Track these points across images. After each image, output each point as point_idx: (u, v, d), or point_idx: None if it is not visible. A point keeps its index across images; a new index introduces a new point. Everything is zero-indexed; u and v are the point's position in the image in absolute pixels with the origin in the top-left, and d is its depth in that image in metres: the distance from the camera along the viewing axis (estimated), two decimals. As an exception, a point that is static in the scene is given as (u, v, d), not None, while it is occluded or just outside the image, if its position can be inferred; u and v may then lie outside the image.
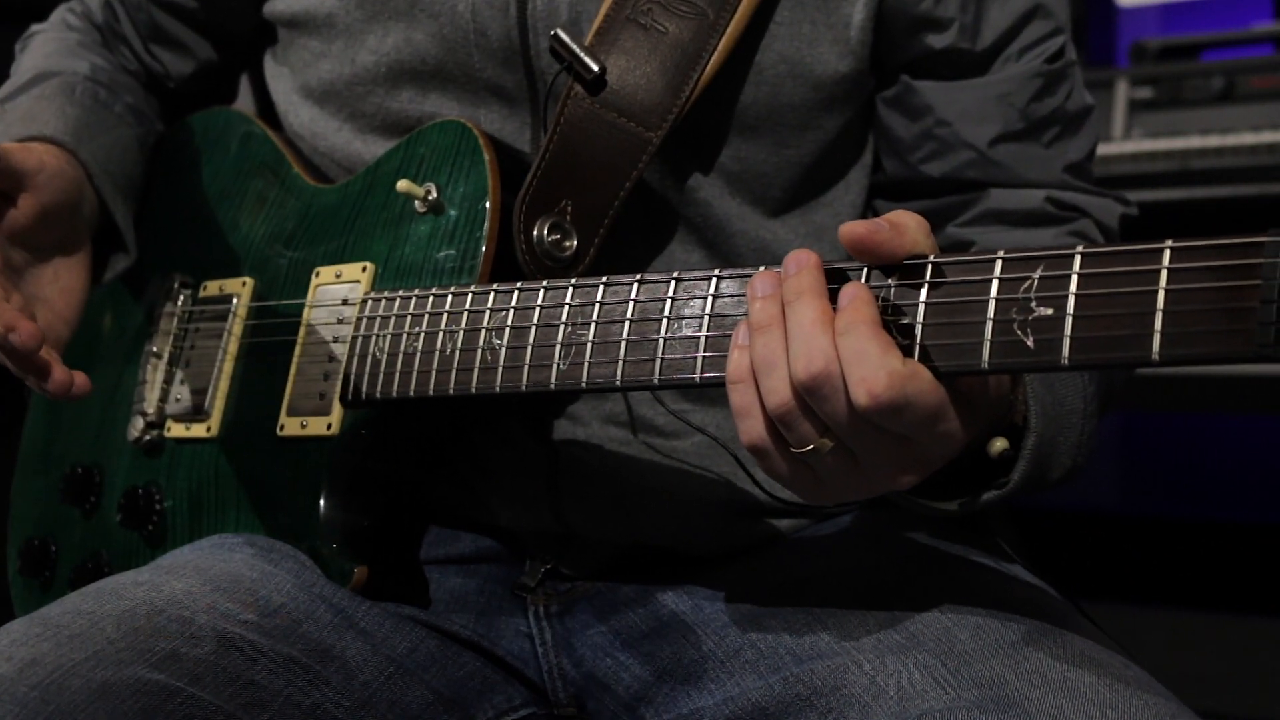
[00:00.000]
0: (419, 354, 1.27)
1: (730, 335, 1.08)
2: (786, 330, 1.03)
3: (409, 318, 1.30)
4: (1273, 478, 3.13)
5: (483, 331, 1.23)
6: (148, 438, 1.49)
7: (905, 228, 1.04)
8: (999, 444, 1.11)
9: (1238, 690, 2.88)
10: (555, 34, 1.33)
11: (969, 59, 1.40)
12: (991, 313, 0.97)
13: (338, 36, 1.44)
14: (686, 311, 1.13)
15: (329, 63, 1.46)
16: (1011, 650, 1.12)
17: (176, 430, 1.48)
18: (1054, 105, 1.42)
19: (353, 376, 1.33)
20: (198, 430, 1.46)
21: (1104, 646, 1.16)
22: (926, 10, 1.38)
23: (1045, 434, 1.13)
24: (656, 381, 1.13)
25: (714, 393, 1.37)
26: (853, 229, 1.04)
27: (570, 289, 1.19)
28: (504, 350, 1.21)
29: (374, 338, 1.32)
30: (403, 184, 1.35)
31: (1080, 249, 0.94)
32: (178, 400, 1.49)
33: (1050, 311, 0.94)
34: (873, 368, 0.98)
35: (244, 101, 1.73)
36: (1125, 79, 2.63)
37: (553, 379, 1.18)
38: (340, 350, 1.35)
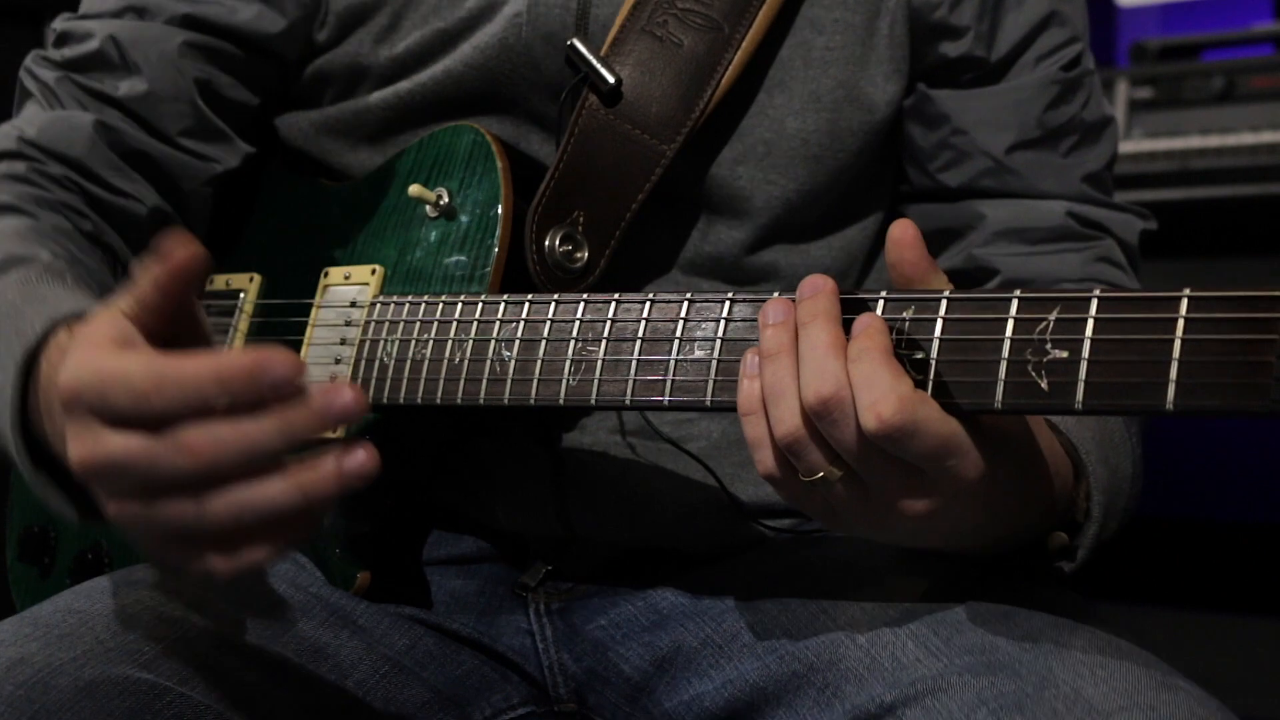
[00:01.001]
0: (427, 361, 1.27)
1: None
2: (798, 354, 1.04)
3: (418, 324, 1.29)
4: (1273, 478, 3.14)
5: (492, 342, 1.23)
6: None
7: (941, 275, 1.06)
8: (1059, 539, 1.14)
9: (1238, 690, 2.89)
10: (571, 44, 1.33)
11: (984, 67, 1.41)
12: (1006, 352, 0.97)
13: (379, 78, 1.43)
14: (699, 334, 1.13)
15: (360, 100, 1.44)
16: (1003, 619, 1.13)
17: (180, 423, 1.48)
18: (1071, 113, 1.43)
19: (359, 380, 1.32)
20: (201, 425, 1.46)
21: (1094, 621, 1.17)
22: (942, 18, 1.39)
23: (1104, 519, 1.16)
24: (666, 402, 1.13)
25: None
26: (907, 229, 1.06)
27: (582, 304, 1.19)
28: (513, 363, 1.21)
29: (382, 343, 1.32)
30: (414, 189, 1.35)
31: (1098, 293, 0.94)
32: (182, 394, 1.49)
33: (1065, 354, 0.94)
34: (883, 391, 0.99)
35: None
36: (1125, 79, 2.63)
37: (562, 394, 1.18)
38: (347, 353, 1.35)
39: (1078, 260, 1.41)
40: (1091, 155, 1.44)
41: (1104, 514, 1.16)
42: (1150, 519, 3.18)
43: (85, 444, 0.94)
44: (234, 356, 0.92)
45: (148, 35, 1.42)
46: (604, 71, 1.33)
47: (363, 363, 1.33)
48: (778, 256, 1.41)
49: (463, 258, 1.33)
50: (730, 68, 1.34)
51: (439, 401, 1.26)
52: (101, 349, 0.96)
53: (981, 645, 1.11)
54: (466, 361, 1.24)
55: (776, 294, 1.08)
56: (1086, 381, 0.93)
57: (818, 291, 1.05)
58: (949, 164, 1.43)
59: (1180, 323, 0.90)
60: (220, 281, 1.51)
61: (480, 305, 1.26)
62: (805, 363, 1.03)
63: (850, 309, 1.05)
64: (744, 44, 1.34)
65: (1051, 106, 1.41)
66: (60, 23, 1.47)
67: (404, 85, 1.41)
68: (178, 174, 1.45)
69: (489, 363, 1.23)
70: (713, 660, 1.26)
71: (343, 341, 1.36)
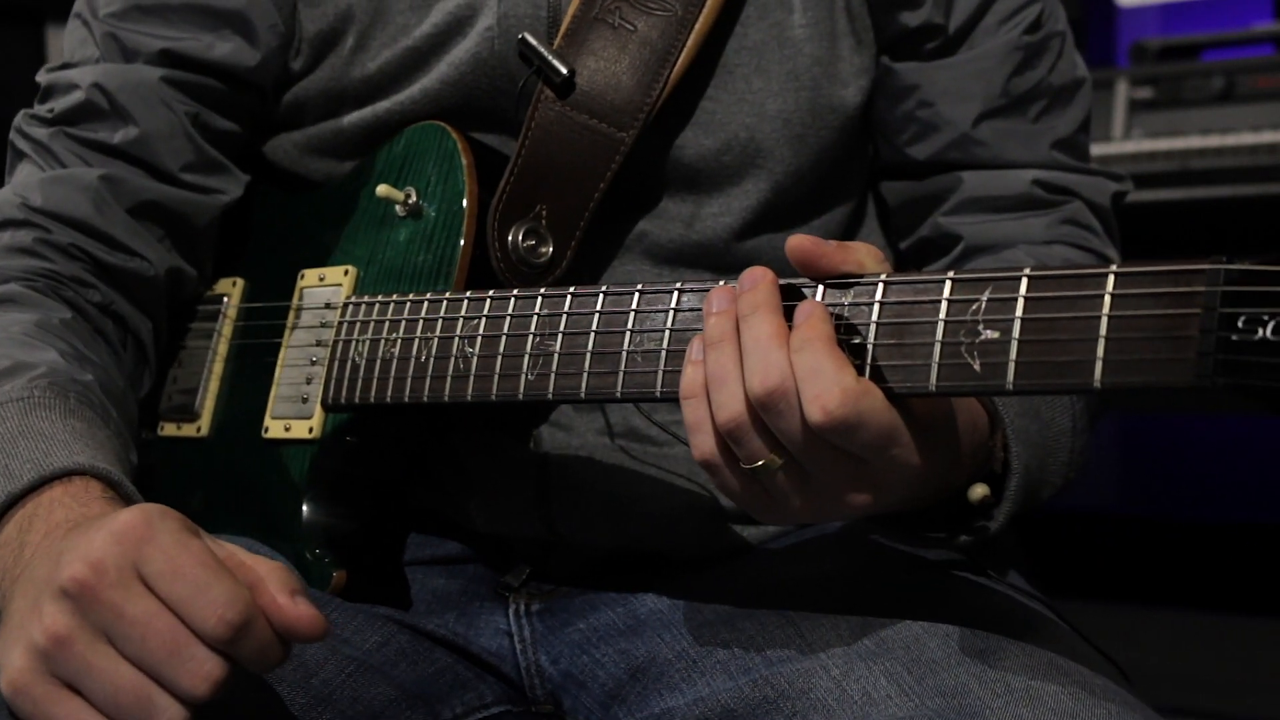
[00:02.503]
0: (396, 360, 1.28)
1: None
2: (741, 345, 1.03)
3: (387, 323, 1.30)
4: (1273, 478, 3.12)
5: (456, 339, 1.24)
6: (141, 436, 1.50)
7: (853, 249, 1.05)
8: (979, 491, 1.12)
9: (1238, 690, 2.88)
10: (523, 37, 1.34)
11: (945, 35, 1.41)
12: (940, 334, 0.96)
13: (355, 99, 1.43)
14: (649, 325, 1.13)
15: (341, 121, 1.44)
16: (978, 659, 1.12)
17: (168, 429, 1.49)
18: (1037, 78, 1.41)
19: (333, 381, 1.33)
20: (188, 430, 1.47)
21: (1075, 655, 1.16)
22: None
23: (1031, 469, 1.14)
24: (619, 395, 1.13)
25: None
26: (799, 243, 1.05)
27: (539, 299, 1.19)
28: (475, 359, 1.22)
29: (354, 342, 1.32)
30: (382, 189, 1.36)
31: (1027, 272, 0.94)
32: (169, 399, 1.50)
33: (996, 335, 0.93)
34: (827, 384, 0.98)
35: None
36: (1125, 79, 2.63)
37: (521, 389, 1.18)
38: (322, 354, 1.36)
39: (1041, 224, 1.40)
40: (1062, 120, 1.43)
41: (1038, 467, 1.15)
42: (1150, 519, 3.16)
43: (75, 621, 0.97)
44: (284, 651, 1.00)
45: (132, 77, 1.42)
46: (556, 63, 1.33)
47: (336, 363, 1.34)
48: (763, 241, 1.41)
49: (430, 256, 1.33)
50: (685, 50, 1.33)
51: (407, 399, 1.27)
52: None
53: (954, 688, 1.09)
54: (432, 359, 1.25)
55: (722, 283, 1.08)
56: (1017, 362, 0.92)
57: (757, 283, 1.05)
58: (916, 137, 1.43)
59: (1107, 299, 0.89)
60: (205, 287, 1.52)
61: (445, 303, 1.26)
62: (749, 354, 1.02)
63: (791, 296, 1.05)
64: (697, 25, 1.34)
65: (1016, 73, 1.40)
66: (43, 76, 1.47)
67: (382, 105, 1.41)
68: (190, 213, 1.44)
69: (453, 360, 1.23)
70: (685, 675, 1.25)
71: (318, 343, 1.37)
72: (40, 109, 1.45)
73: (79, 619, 0.97)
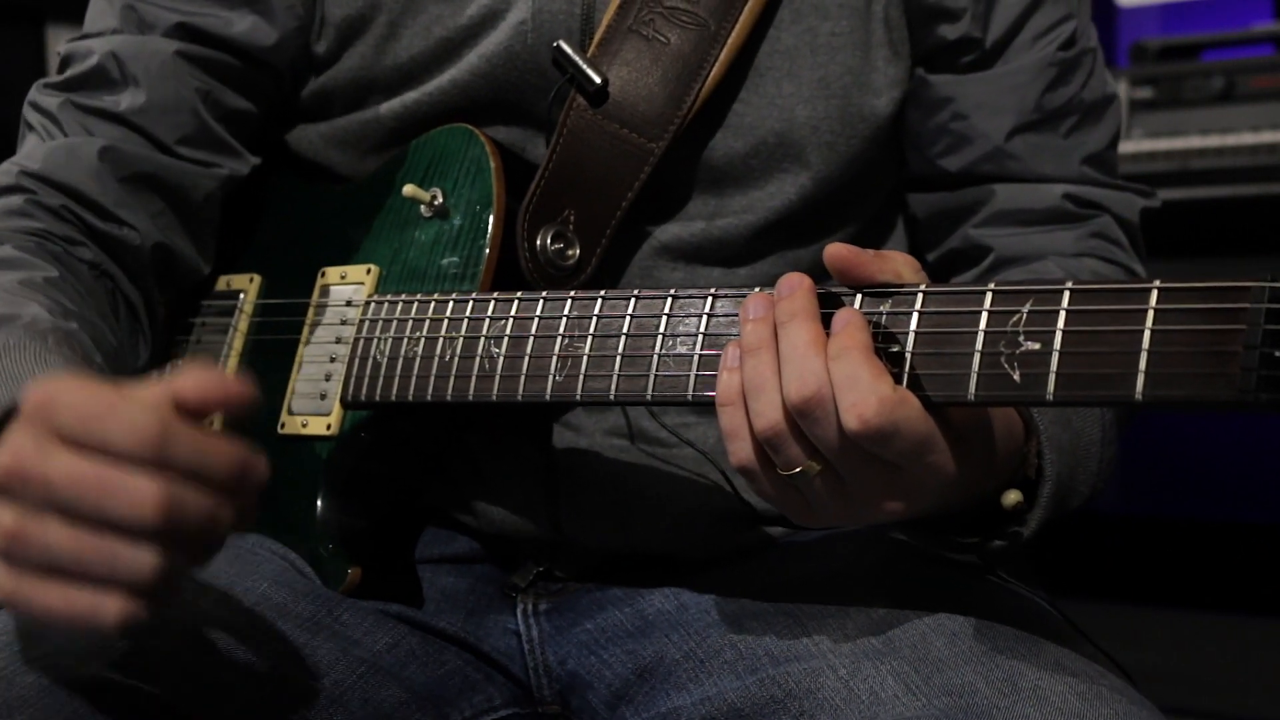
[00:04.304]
0: (419, 359, 1.28)
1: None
2: (779, 352, 1.04)
3: (410, 322, 1.31)
4: (1273, 478, 3.13)
5: (482, 339, 1.24)
6: None
7: (890, 258, 1.06)
8: (1013, 496, 1.13)
9: (1238, 690, 2.89)
10: (558, 45, 1.34)
11: (981, 49, 1.42)
12: (980, 345, 0.97)
13: (385, 88, 1.43)
14: (681, 329, 1.13)
15: (368, 111, 1.45)
16: (985, 658, 1.13)
17: (180, 423, 1.49)
18: (1069, 94, 1.43)
19: (353, 378, 1.34)
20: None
21: (1082, 654, 1.16)
22: (937, 1, 1.40)
23: (1062, 476, 1.15)
24: (650, 397, 1.13)
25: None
26: (838, 251, 1.06)
27: (569, 301, 1.20)
28: (502, 359, 1.22)
29: (375, 340, 1.33)
30: (408, 189, 1.36)
31: (1069, 285, 0.95)
32: (183, 394, 1.50)
33: (1037, 346, 0.94)
34: (863, 392, 0.99)
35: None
36: (1125, 79, 2.64)
37: (548, 390, 1.19)
38: (342, 351, 1.37)
39: (1071, 237, 1.41)
40: (1092, 136, 1.44)
41: (1069, 476, 1.16)
42: (1150, 519, 3.17)
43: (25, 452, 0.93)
44: (228, 447, 0.93)
45: (147, 48, 1.43)
46: (590, 72, 1.33)
47: (356, 361, 1.34)
48: (786, 247, 1.42)
49: (455, 258, 1.34)
50: (717, 64, 1.34)
51: (429, 398, 1.27)
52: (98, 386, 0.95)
53: (961, 687, 1.10)
54: (456, 359, 1.25)
55: (758, 289, 1.09)
56: (1058, 373, 0.93)
57: (795, 289, 1.06)
58: (948, 149, 1.43)
59: (1150, 314, 0.90)
60: (221, 282, 1.52)
61: (471, 303, 1.27)
62: (786, 361, 1.03)
63: (829, 304, 1.06)
64: (730, 40, 1.34)
65: (1050, 89, 1.41)
66: (63, 46, 1.48)
67: (411, 95, 1.41)
68: (187, 186, 1.44)
69: (478, 360, 1.24)
70: (692, 674, 1.26)
71: (338, 340, 1.38)
72: (55, 78, 1.46)
73: (16, 506, 0.92)
